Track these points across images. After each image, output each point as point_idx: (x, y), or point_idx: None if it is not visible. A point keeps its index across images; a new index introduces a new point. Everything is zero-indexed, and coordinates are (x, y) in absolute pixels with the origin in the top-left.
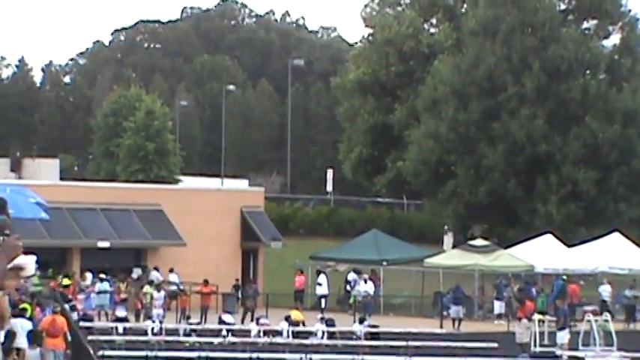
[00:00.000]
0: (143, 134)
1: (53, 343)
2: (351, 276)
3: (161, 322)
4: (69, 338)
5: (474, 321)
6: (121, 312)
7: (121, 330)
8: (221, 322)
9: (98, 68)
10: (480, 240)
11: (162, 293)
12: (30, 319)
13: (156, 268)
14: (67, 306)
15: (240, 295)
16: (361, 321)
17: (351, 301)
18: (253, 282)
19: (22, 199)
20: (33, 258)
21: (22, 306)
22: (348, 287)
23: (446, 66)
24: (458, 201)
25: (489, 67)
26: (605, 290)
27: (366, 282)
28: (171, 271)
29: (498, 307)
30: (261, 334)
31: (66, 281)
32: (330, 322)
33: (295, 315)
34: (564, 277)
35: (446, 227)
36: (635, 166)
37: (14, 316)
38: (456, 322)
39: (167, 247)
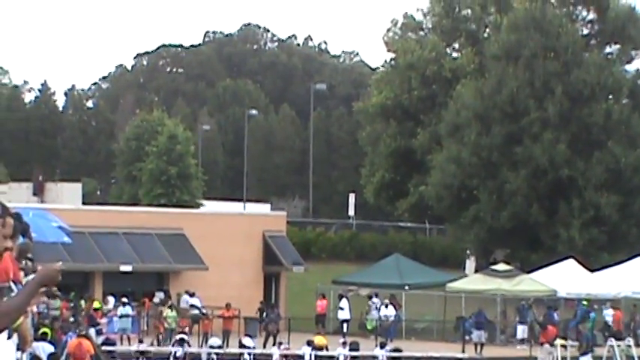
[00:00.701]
0: (165, 158)
1: None
2: (373, 301)
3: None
4: None
5: (496, 346)
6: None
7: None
8: (242, 345)
9: (121, 92)
10: (503, 264)
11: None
12: (51, 342)
13: (191, 294)
14: (92, 330)
15: (263, 319)
16: (382, 346)
17: (369, 326)
18: (275, 306)
19: (45, 222)
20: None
21: (42, 330)
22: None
23: (468, 90)
24: (480, 225)
25: (512, 92)
26: (608, 315)
27: (387, 307)
28: (192, 295)
29: (521, 331)
30: (283, 358)
31: (96, 304)
32: (353, 346)
33: (319, 340)
34: (584, 302)
35: (468, 252)
36: None
37: (36, 340)
38: (479, 347)
39: (189, 271)
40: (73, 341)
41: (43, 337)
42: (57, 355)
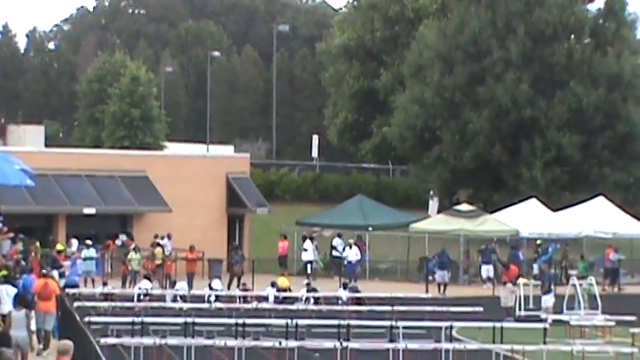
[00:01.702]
0: (128, 101)
1: (45, 305)
2: (336, 241)
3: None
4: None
5: (459, 285)
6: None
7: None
8: (211, 288)
9: (82, 34)
10: (466, 205)
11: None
12: (12, 284)
13: (168, 236)
14: (55, 272)
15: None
16: (345, 286)
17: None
18: (239, 248)
19: (7, 165)
20: None
21: (3, 272)
22: (334, 252)
23: (431, 31)
24: (443, 166)
25: (474, 32)
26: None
27: (351, 247)
28: (155, 237)
29: (486, 271)
30: (247, 299)
31: (59, 246)
32: (311, 289)
33: (282, 282)
34: (538, 241)
35: (431, 192)
36: (620, 131)
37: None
38: (442, 287)
39: (153, 214)
40: (39, 281)
41: (4, 279)
42: (23, 295)
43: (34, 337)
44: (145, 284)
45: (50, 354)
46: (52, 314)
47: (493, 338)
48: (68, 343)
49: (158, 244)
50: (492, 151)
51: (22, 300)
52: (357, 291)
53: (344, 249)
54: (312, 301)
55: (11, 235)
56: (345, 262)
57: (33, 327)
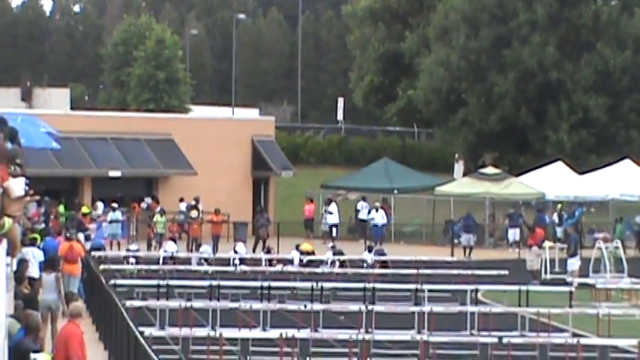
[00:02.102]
0: (153, 63)
1: (70, 268)
2: (360, 204)
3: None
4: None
5: (484, 249)
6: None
7: (132, 259)
8: (235, 252)
9: None
10: (491, 168)
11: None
12: (40, 247)
13: (195, 200)
14: (81, 235)
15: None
16: (370, 249)
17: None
18: (264, 211)
19: (33, 128)
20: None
21: (31, 235)
22: (360, 215)
23: None
24: (469, 129)
25: None
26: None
27: (377, 210)
28: (181, 200)
29: (512, 235)
30: (272, 262)
31: (84, 210)
32: (337, 252)
33: (304, 247)
34: (559, 204)
35: (457, 155)
36: None
37: (25, 245)
38: (467, 250)
39: (178, 177)
40: (65, 244)
41: (32, 243)
42: (53, 258)
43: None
44: (170, 247)
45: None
46: (77, 277)
47: (519, 301)
48: (79, 306)
49: (195, 207)
50: (518, 114)
51: (52, 263)
52: (383, 254)
53: (369, 212)
54: (337, 264)
55: (37, 198)
56: (372, 225)
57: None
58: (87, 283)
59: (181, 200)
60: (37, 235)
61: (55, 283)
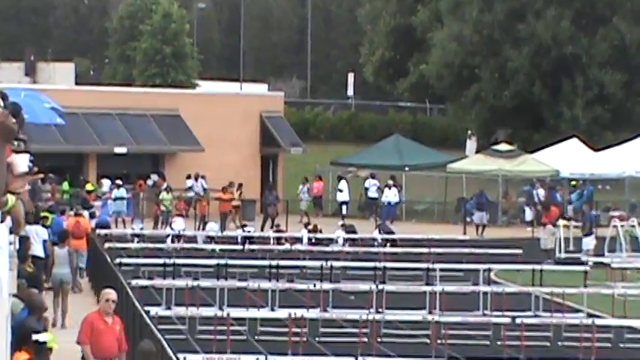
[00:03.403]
0: (160, 37)
1: (77, 244)
2: (368, 182)
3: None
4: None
5: (497, 227)
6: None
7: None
8: (243, 230)
9: None
10: (504, 144)
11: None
12: (44, 225)
13: (202, 177)
14: (85, 212)
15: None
16: (379, 228)
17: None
18: (273, 188)
19: (37, 103)
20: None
21: (42, 214)
22: (369, 193)
23: None
24: (481, 105)
25: None
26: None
27: (390, 188)
28: (188, 177)
29: (528, 213)
30: (281, 241)
31: (89, 187)
32: (350, 229)
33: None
34: (572, 182)
35: (469, 132)
36: None
37: (30, 222)
38: (480, 228)
39: (185, 153)
40: (71, 220)
41: (36, 221)
42: (65, 232)
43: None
44: (179, 224)
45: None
46: (84, 252)
47: (532, 281)
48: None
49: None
50: (532, 90)
51: (63, 237)
52: (389, 232)
53: (379, 189)
54: (347, 242)
55: (41, 175)
56: (385, 204)
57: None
58: (92, 261)
59: (188, 177)
60: (47, 214)
61: (67, 257)
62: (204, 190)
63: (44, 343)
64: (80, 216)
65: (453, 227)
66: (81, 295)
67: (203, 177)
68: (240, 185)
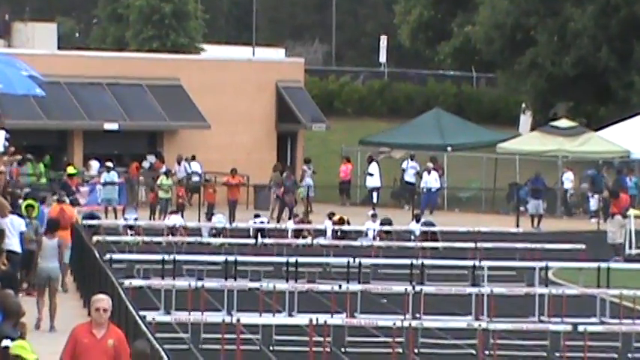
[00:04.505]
0: None
1: (61, 235)
2: (406, 164)
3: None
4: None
5: (556, 218)
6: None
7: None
8: (256, 221)
9: None
10: (565, 120)
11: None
12: (20, 215)
13: (190, 158)
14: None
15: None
16: (418, 219)
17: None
18: (292, 172)
19: (13, 71)
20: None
21: (26, 203)
22: (406, 177)
23: None
24: (538, 73)
25: None
26: None
27: (430, 172)
28: (193, 158)
29: (595, 202)
30: (301, 234)
31: (70, 170)
32: (385, 221)
33: (336, 219)
34: None
35: (523, 105)
36: None
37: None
38: (535, 220)
39: (187, 130)
40: (55, 207)
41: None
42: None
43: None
44: (174, 220)
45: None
46: (69, 245)
47: (597, 282)
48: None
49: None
50: (598, 55)
51: (54, 226)
52: (429, 223)
53: (417, 174)
54: (378, 236)
55: (18, 157)
56: (424, 190)
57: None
58: (77, 257)
59: (193, 159)
60: (32, 202)
61: (56, 249)
62: (189, 175)
63: (6, 348)
64: (64, 203)
65: (504, 218)
66: (65, 295)
67: (193, 158)
68: (284, 166)
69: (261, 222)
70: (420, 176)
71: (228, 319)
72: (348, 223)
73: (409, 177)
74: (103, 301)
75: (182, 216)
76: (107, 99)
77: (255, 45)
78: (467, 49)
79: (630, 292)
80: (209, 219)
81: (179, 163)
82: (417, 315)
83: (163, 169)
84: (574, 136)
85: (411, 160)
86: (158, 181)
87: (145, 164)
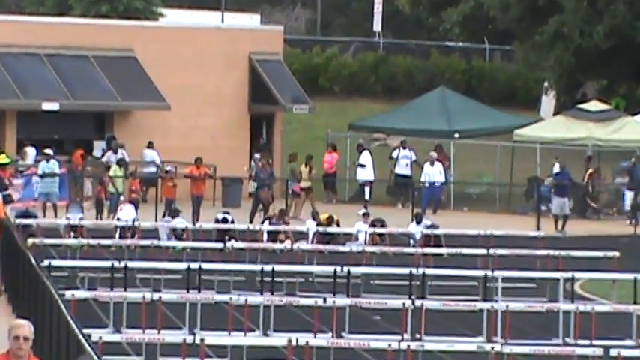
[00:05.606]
0: None
1: None
2: (397, 153)
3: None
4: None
5: (585, 219)
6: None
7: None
8: (219, 222)
9: None
10: (595, 103)
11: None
12: None
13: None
14: None
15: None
16: (419, 220)
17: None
18: (268, 163)
19: None
20: None
21: None
22: (398, 169)
23: None
24: (564, 46)
25: None
26: None
27: (432, 164)
28: (149, 146)
29: (629, 200)
30: (278, 237)
31: (2, 159)
32: (377, 222)
33: (323, 217)
34: None
35: (546, 84)
36: None
37: None
38: (560, 221)
39: (143, 112)
40: None
41: None
42: None
43: None
44: (127, 213)
45: None
46: None
47: (634, 297)
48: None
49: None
50: (635, 25)
51: None
52: (431, 225)
53: (415, 164)
54: (371, 239)
55: None
56: (426, 185)
57: None
58: (7, 263)
59: (149, 146)
60: None
61: None
62: (119, 163)
63: None
64: None
65: (522, 219)
66: None
67: (150, 145)
68: (311, 158)
69: (225, 219)
70: (419, 167)
71: (190, 338)
72: (338, 225)
73: (401, 169)
74: (23, 327)
75: (136, 209)
76: (46, 73)
77: (225, 10)
78: (478, 16)
79: None
80: (169, 217)
81: (114, 152)
82: (417, 335)
83: (116, 157)
84: (606, 121)
85: (403, 148)
86: (110, 172)
87: (96, 153)
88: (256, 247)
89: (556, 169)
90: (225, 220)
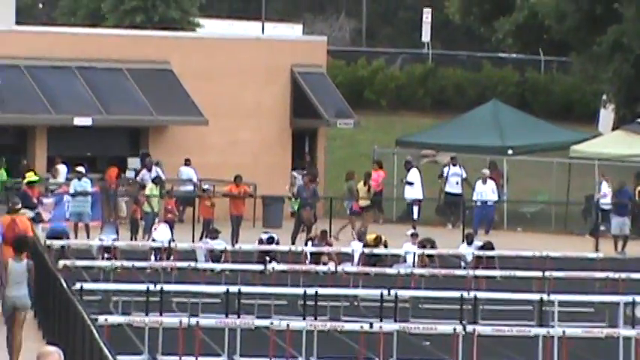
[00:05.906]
0: None
1: (5, 252)
2: (447, 170)
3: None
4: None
5: None
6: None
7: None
8: (263, 242)
9: None
10: None
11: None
12: None
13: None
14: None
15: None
16: (470, 240)
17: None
18: (311, 180)
19: None
20: None
21: None
22: (448, 187)
23: None
24: (623, 56)
25: None
26: None
27: (485, 182)
28: (186, 163)
29: None
30: (322, 259)
31: (31, 177)
32: (426, 243)
33: (369, 238)
34: None
35: (604, 97)
36: None
37: None
38: (620, 242)
39: (179, 127)
40: (5, 218)
41: None
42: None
43: None
44: (162, 233)
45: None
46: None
47: None
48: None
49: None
50: None
51: (23, 245)
52: (491, 248)
53: (465, 181)
54: (420, 261)
55: None
56: (478, 204)
57: None
58: (39, 285)
59: (187, 163)
60: None
61: (26, 273)
62: (155, 181)
63: None
64: (17, 213)
65: (579, 240)
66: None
67: (187, 162)
68: (369, 176)
69: (271, 238)
70: (469, 185)
71: None
72: (386, 246)
73: (451, 187)
74: (52, 355)
75: (172, 231)
76: (78, 87)
77: (266, 20)
78: (532, 25)
79: None
80: (208, 238)
81: (149, 169)
82: None
83: (151, 175)
84: None
85: (453, 165)
86: (146, 191)
87: (129, 173)
88: (298, 270)
89: (604, 187)
90: (271, 240)
